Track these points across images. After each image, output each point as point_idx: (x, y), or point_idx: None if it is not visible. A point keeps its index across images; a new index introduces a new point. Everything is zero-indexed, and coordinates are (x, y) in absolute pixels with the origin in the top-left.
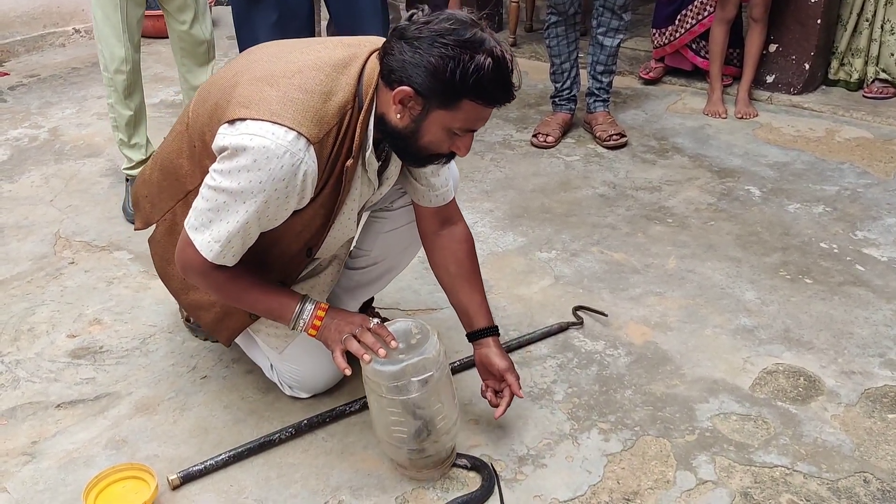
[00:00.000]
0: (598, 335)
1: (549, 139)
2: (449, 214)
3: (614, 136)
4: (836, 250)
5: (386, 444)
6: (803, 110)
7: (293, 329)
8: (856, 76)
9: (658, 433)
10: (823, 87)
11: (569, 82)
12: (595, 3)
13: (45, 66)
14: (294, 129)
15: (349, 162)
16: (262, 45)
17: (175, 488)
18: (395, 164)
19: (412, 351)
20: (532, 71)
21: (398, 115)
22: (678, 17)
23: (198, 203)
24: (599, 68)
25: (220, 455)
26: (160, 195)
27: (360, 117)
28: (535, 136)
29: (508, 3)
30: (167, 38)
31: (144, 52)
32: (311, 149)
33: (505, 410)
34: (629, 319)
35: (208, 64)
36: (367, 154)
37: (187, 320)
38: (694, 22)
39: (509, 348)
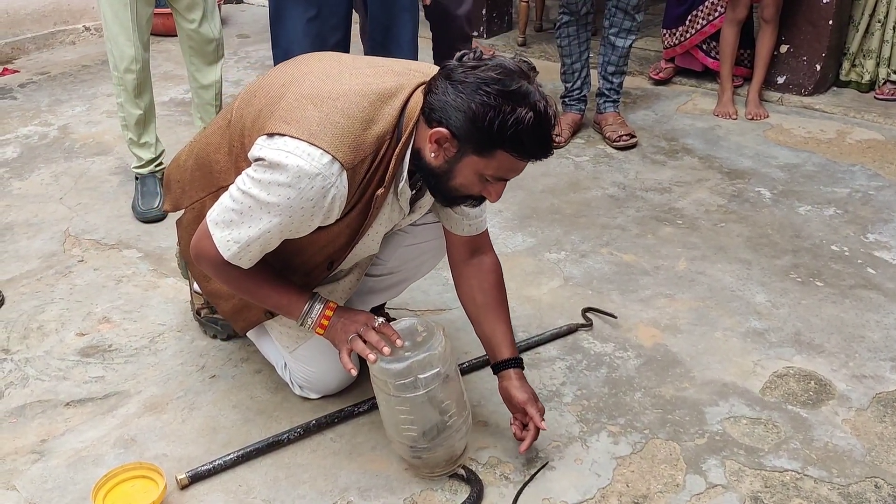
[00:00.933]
0: (607, 337)
1: (559, 139)
2: (479, 244)
3: (624, 137)
4: (847, 253)
5: (397, 443)
6: (814, 111)
7: (301, 326)
8: (867, 77)
9: (668, 436)
10: (834, 88)
11: (579, 82)
12: (608, 3)
13: (56, 63)
14: (329, 153)
15: (381, 191)
16: (315, 55)
17: (184, 488)
18: (429, 195)
19: (418, 348)
20: (541, 70)
21: (433, 154)
22: (689, 17)
23: (225, 200)
24: (610, 69)
25: (229, 455)
26: (192, 183)
27: (397, 149)
28: None
29: (519, 2)
30: (176, 35)
31: (153, 50)
32: (344, 174)
33: (530, 445)
34: (639, 321)
35: (217, 62)
36: (401, 185)
37: (198, 313)
38: (705, 23)
39: (518, 350)
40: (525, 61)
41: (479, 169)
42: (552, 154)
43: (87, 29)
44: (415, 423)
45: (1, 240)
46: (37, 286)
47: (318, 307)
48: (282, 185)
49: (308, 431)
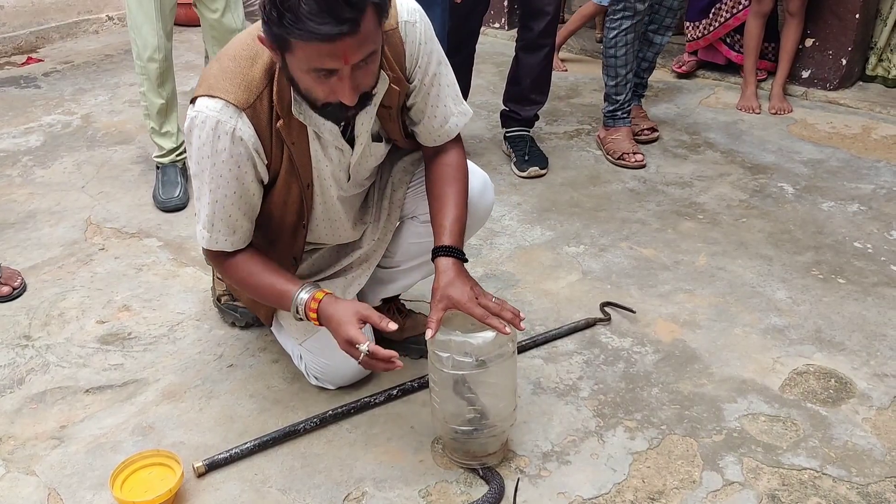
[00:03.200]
0: (625, 332)
1: (639, 157)
2: (446, 145)
3: (646, 131)
4: (870, 250)
5: (439, 422)
6: (839, 106)
7: (295, 313)
8: (894, 72)
9: (685, 432)
10: (860, 83)
11: (629, 94)
12: (654, 3)
13: (79, 52)
14: (222, 98)
15: (279, 123)
16: None
17: (200, 476)
18: (364, 124)
19: (470, 334)
20: (586, 69)
21: (278, 63)
22: (712, 10)
23: (195, 201)
24: (644, 65)
25: (246, 443)
26: None
27: (276, 74)
28: (620, 157)
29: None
30: (199, 25)
31: (176, 40)
32: (243, 114)
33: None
34: (657, 316)
35: None
36: (308, 114)
37: (218, 299)
38: (728, 16)
39: (535, 343)
40: None
41: (299, 67)
42: (343, 25)
43: (111, 18)
44: (438, 398)
45: (24, 227)
46: (58, 273)
47: (304, 297)
48: (192, 143)
49: (324, 422)
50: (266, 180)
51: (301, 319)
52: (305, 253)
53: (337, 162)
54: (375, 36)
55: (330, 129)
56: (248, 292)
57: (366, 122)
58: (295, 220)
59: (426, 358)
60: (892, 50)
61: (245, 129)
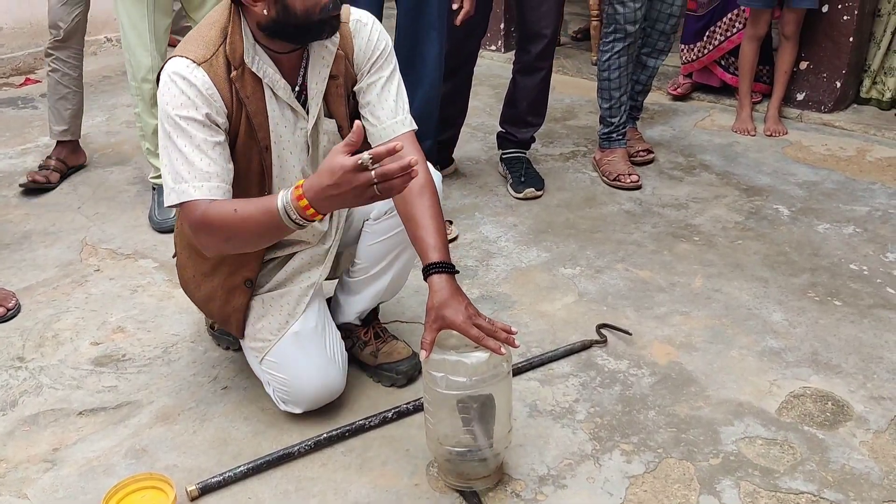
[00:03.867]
0: (621, 354)
1: (634, 178)
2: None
3: (641, 153)
4: (866, 272)
5: (433, 443)
6: (834, 129)
7: (298, 224)
8: (888, 95)
9: (681, 456)
10: (855, 105)
11: (624, 116)
12: (646, 27)
13: None
14: (182, 56)
15: (234, 73)
16: None
17: (193, 500)
18: (316, 85)
19: (464, 353)
20: (558, 85)
21: (265, 10)
22: (707, 33)
23: (162, 169)
24: (638, 88)
25: (240, 467)
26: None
27: (230, 28)
28: (616, 179)
29: (591, 21)
30: None
31: None
32: (199, 67)
33: (497, 346)
34: (654, 339)
35: None
36: (263, 68)
37: (211, 327)
38: (723, 38)
39: (531, 365)
40: None
41: None
42: None
43: (109, 40)
44: (432, 418)
45: (19, 248)
46: (53, 294)
47: (283, 195)
48: (161, 102)
49: (319, 445)
50: (226, 127)
51: (299, 221)
52: (262, 271)
53: (294, 125)
54: None
55: (283, 87)
56: (234, 237)
57: (319, 82)
58: (257, 191)
59: (398, 386)
60: (885, 73)
61: (199, 76)
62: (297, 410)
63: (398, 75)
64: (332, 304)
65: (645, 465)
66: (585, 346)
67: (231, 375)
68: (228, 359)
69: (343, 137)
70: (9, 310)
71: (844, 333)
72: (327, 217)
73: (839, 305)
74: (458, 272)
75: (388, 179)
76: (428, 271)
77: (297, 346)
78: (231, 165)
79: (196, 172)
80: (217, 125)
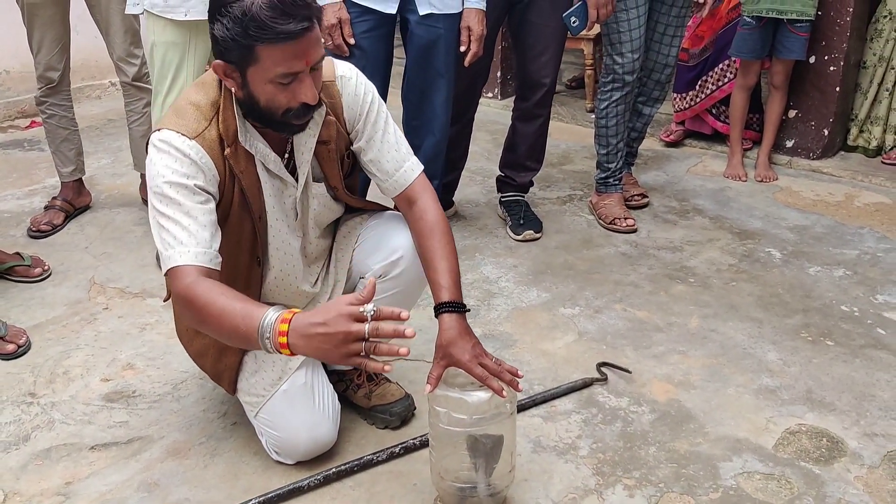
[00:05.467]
0: (621, 392)
1: (630, 221)
2: (412, 196)
3: (636, 197)
4: (856, 313)
5: (437, 477)
6: (822, 175)
7: (267, 349)
8: (874, 143)
9: (682, 490)
10: (842, 152)
11: (621, 162)
12: (642, 76)
13: (82, 117)
14: (173, 130)
15: (228, 150)
16: None
17: None
18: (303, 154)
19: (469, 391)
20: (554, 131)
21: (233, 89)
22: (699, 82)
23: (155, 240)
24: (633, 134)
25: (250, 500)
26: None
27: (221, 103)
28: (612, 222)
29: (585, 70)
30: None
31: None
32: (194, 141)
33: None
34: (652, 377)
35: None
36: (254, 144)
37: None
38: (714, 88)
39: (534, 402)
40: None
41: (263, 78)
42: (304, 22)
43: (113, 84)
44: (436, 452)
45: (28, 286)
46: (62, 332)
47: (271, 316)
48: (151, 171)
49: (328, 479)
50: (216, 196)
51: (269, 348)
52: None
53: (283, 194)
54: (320, 44)
55: (273, 160)
56: (207, 324)
57: (306, 152)
58: (248, 258)
59: (391, 428)
60: (872, 122)
61: (193, 146)
62: (290, 462)
63: (391, 121)
64: None
65: (647, 500)
66: (587, 384)
67: (240, 412)
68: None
69: (335, 198)
70: (19, 346)
71: (837, 372)
72: (319, 280)
73: (831, 345)
74: (468, 311)
75: (378, 339)
76: (439, 310)
77: (287, 405)
78: (219, 232)
79: (183, 237)
80: (207, 192)
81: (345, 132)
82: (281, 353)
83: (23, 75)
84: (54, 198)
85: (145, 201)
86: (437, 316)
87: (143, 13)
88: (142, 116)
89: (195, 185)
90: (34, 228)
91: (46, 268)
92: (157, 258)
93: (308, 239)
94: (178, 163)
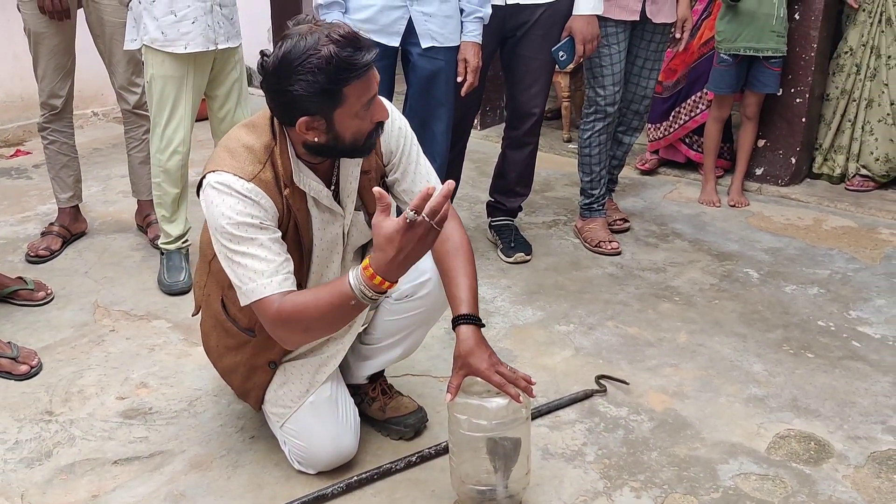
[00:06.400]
0: (621, 402)
1: (615, 244)
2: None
3: (618, 221)
4: (832, 328)
5: (457, 481)
6: (791, 200)
7: (372, 300)
8: (838, 171)
9: (685, 491)
10: (808, 179)
11: (604, 188)
12: (622, 107)
13: None
14: (229, 172)
15: (286, 191)
16: None
17: None
18: (350, 184)
19: (485, 397)
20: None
21: (316, 139)
22: (672, 113)
23: (229, 275)
24: (614, 162)
25: None
26: (199, 274)
27: (278, 150)
28: (597, 245)
29: (561, 101)
30: (205, 119)
31: None
32: (251, 183)
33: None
34: (648, 388)
35: None
36: (307, 182)
37: None
38: (687, 118)
39: (539, 413)
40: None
41: (350, 113)
42: (372, 51)
43: (96, 114)
44: (456, 458)
45: (32, 310)
46: (72, 353)
47: (352, 277)
48: (218, 212)
49: (350, 487)
50: (277, 228)
51: (372, 298)
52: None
53: (332, 224)
54: None
55: (326, 196)
56: (312, 325)
57: (353, 181)
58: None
59: (406, 439)
60: (835, 151)
61: (252, 188)
62: (312, 472)
63: (421, 151)
64: (341, 364)
65: (653, 500)
66: (587, 395)
67: (257, 426)
68: (252, 411)
69: (369, 224)
70: (32, 367)
71: (819, 382)
72: None
73: (812, 357)
74: (484, 325)
75: (438, 213)
76: (457, 322)
77: (313, 416)
78: (289, 256)
79: (264, 270)
80: (271, 227)
81: (381, 163)
82: (384, 292)
83: (6, 105)
84: (51, 224)
85: (140, 227)
86: (454, 328)
87: (141, 49)
88: (141, 143)
89: (260, 222)
90: (32, 254)
91: (49, 292)
92: (159, 282)
93: (344, 263)
94: (241, 203)
